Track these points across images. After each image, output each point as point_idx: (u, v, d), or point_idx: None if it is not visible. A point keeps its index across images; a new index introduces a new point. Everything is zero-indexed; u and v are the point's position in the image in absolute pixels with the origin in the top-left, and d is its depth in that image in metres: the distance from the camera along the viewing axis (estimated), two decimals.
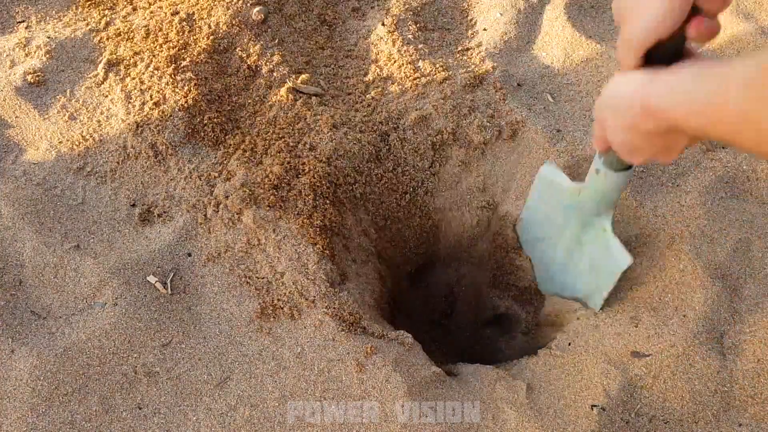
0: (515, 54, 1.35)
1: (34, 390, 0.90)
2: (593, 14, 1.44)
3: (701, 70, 0.55)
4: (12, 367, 0.92)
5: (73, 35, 1.31)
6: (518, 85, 1.29)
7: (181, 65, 1.22)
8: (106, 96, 1.22)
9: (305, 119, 1.17)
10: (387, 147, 1.18)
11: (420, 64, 1.29)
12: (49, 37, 1.29)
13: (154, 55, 1.25)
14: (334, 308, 0.98)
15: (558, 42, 1.36)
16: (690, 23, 0.61)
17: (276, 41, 1.32)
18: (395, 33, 1.35)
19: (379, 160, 1.17)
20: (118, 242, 1.06)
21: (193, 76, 1.20)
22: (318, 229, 1.04)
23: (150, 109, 1.17)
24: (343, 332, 0.96)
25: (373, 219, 1.18)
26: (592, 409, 0.92)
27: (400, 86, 1.26)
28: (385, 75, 1.29)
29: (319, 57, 1.35)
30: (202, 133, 1.16)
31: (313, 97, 1.22)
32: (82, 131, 1.17)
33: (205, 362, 0.95)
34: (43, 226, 1.06)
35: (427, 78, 1.26)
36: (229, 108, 1.21)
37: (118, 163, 1.14)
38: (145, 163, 1.14)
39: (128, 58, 1.26)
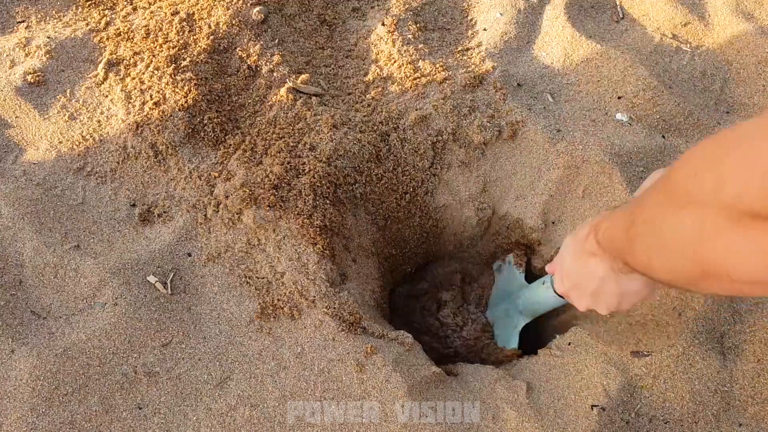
0: (515, 54, 1.35)
1: (34, 390, 0.90)
2: (593, 14, 1.44)
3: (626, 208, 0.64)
4: (12, 367, 0.92)
5: (73, 35, 1.31)
6: (518, 85, 1.29)
7: (181, 65, 1.22)
8: (106, 96, 1.22)
9: (305, 119, 1.17)
10: (387, 147, 1.18)
11: (420, 64, 1.29)
12: (49, 37, 1.29)
13: (154, 55, 1.24)
14: (334, 308, 0.98)
15: (558, 42, 1.36)
16: None
17: (276, 41, 1.32)
18: (395, 33, 1.35)
19: (379, 160, 1.17)
20: (118, 242, 1.06)
21: (193, 76, 1.20)
22: (318, 229, 1.04)
23: (150, 109, 1.16)
24: (343, 332, 0.96)
25: (373, 219, 1.18)
26: (592, 409, 0.92)
27: (400, 86, 1.26)
28: (385, 75, 1.29)
29: (319, 57, 1.35)
30: (202, 133, 1.16)
31: (313, 97, 1.22)
32: (82, 131, 1.17)
33: (205, 362, 0.95)
34: (43, 226, 1.06)
35: (427, 78, 1.26)
36: (229, 108, 1.21)
37: (118, 163, 1.14)
38: (145, 163, 1.14)
39: (128, 58, 1.26)
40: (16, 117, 1.20)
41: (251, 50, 1.28)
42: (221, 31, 1.30)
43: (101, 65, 1.25)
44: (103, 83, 1.23)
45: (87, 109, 1.21)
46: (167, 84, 1.19)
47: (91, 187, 1.13)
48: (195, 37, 1.28)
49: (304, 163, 1.11)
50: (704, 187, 0.47)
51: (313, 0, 1.44)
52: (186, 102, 1.17)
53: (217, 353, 0.96)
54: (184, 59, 1.23)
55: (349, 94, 1.28)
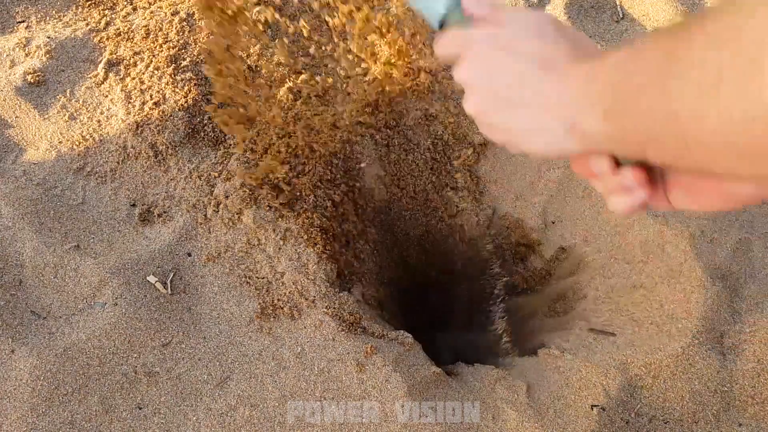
0: None
1: (34, 390, 0.90)
2: (593, 14, 1.44)
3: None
4: (12, 367, 0.92)
5: (73, 35, 1.31)
6: None
7: (181, 65, 1.22)
8: (106, 96, 1.22)
9: (305, 119, 1.17)
10: (387, 147, 1.18)
11: (421, 64, 1.29)
12: (49, 37, 1.29)
13: (154, 55, 1.24)
14: (334, 308, 0.98)
15: None
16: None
17: (276, 41, 1.32)
18: (396, 32, 1.35)
19: (380, 160, 1.17)
20: (118, 242, 1.06)
21: (193, 76, 1.20)
22: (318, 229, 1.04)
23: (150, 109, 1.16)
24: (343, 332, 0.96)
25: (374, 219, 1.18)
26: (592, 409, 0.92)
27: (401, 86, 1.26)
28: (385, 75, 1.29)
29: (319, 57, 1.35)
30: (202, 133, 1.16)
31: (313, 97, 1.22)
32: (82, 131, 1.17)
33: (205, 362, 0.95)
34: (43, 226, 1.06)
35: (428, 78, 1.26)
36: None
37: (118, 163, 1.14)
38: (145, 163, 1.14)
39: (128, 58, 1.26)
40: (16, 117, 1.20)
41: (251, 50, 1.28)
42: (221, 30, 1.29)
43: (101, 65, 1.25)
44: (103, 83, 1.23)
45: (87, 109, 1.21)
46: (167, 84, 1.19)
47: (91, 187, 1.12)
48: (195, 37, 1.28)
49: (304, 163, 1.11)
50: None
51: (313, 0, 1.44)
52: (186, 102, 1.17)
53: (217, 353, 0.96)
54: (184, 59, 1.23)
55: (350, 93, 1.28)
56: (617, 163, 0.46)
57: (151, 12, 1.34)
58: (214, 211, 1.08)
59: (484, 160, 1.21)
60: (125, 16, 1.35)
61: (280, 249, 1.03)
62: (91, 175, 1.14)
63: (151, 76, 1.21)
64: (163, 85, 1.19)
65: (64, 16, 1.37)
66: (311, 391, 0.92)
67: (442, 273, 1.35)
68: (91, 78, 1.25)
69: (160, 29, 1.29)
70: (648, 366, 0.95)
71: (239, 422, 0.91)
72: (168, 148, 1.13)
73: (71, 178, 1.13)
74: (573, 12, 1.42)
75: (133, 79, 1.22)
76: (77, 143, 1.16)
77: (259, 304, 1.00)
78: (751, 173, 0.34)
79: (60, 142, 1.16)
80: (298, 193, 1.07)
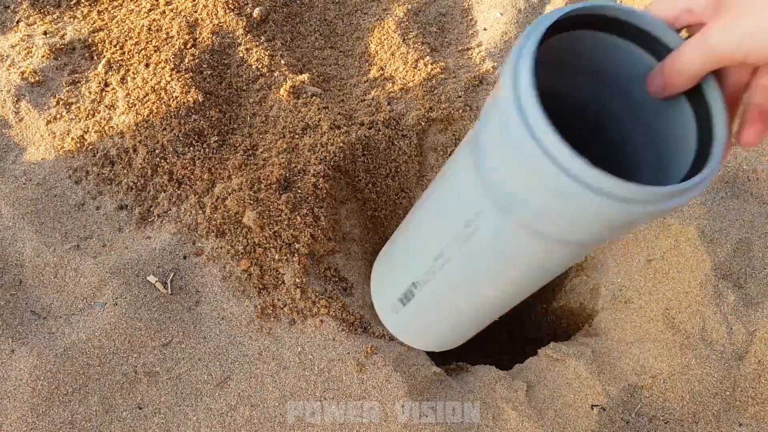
0: None
1: (34, 390, 0.90)
2: None
3: None
4: (12, 367, 0.92)
5: (73, 35, 1.31)
6: None
7: (181, 65, 1.22)
8: (107, 95, 1.22)
9: (305, 119, 1.17)
10: (388, 147, 1.18)
11: (420, 63, 1.29)
12: (49, 37, 1.29)
13: (155, 54, 1.25)
14: (335, 308, 0.98)
15: None
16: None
17: (276, 41, 1.32)
18: (395, 33, 1.35)
19: (380, 161, 1.17)
20: (118, 242, 1.06)
21: (193, 76, 1.20)
22: (318, 229, 1.04)
23: (151, 108, 1.16)
24: (343, 332, 0.96)
25: (374, 219, 1.18)
26: (593, 409, 0.92)
27: (401, 86, 1.26)
28: (385, 75, 1.29)
29: (319, 57, 1.35)
30: (203, 133, 1.16)
31: (313, 97, 1.22)
32: (83, 131, 1.17)
33: (205, 362, 0.95)
34: (43, 226, 1.06)
35: (428, 78, 1.26)
36: (229, 108, 1.21)
37: (118, 162, 1.14)
38: (146, 162, 1.14)
39: (128, 57, 1.26)
40: (16, 117, 1.20)
41: (251, 50, 1.28)
42: (222, 30, 1.30)
43: (101, 65, 1.25)
44: (103, 83, 1.23)
45: (87, 108, 1.21)
46: (167, 84, 1.19)
47: (91, 186, 1.12)
48: (195, 37, 1.28)
49: (304, 163, 1.11)
50: None
51: (314, 0, 1.44)
52: (186, 102, 1.17)
53: (217, 353, 0.96)
54: (184, 59, 1.23)
55: (349, 94, 1.28)
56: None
57: (152, 12, 1.34)
58: (214, 211, 1.08)
59: None
60: (125, 16, 1.35)
61: (280, 249, 1.03)
62: (91, 174, 1.14)
63: (152, 76, 1.21)
64: (163, 84, 1.19)
65: (64, 16, 1.37)
66: (311, 391, 0.92)
67: None
68: (91, 77, 1.25)
69: (160, 29, 1.29)
70: (648, 366, 0.95)
71: (239, 422, 0.91)
72: (168, 147, 1.13)
73: (71, 178, 1.13)
74: None
75: (133, 78, 1.22)
76: (77, 143, 1.16)
77: (259, 304, 1.00)
78: None
79: (60, 142, 1.16)
80: (298, 193, 1.07)
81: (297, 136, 1.15)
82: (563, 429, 0.90)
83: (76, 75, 1.26)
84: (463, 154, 0.50)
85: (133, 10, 1.37)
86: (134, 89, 1.20)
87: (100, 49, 1.29)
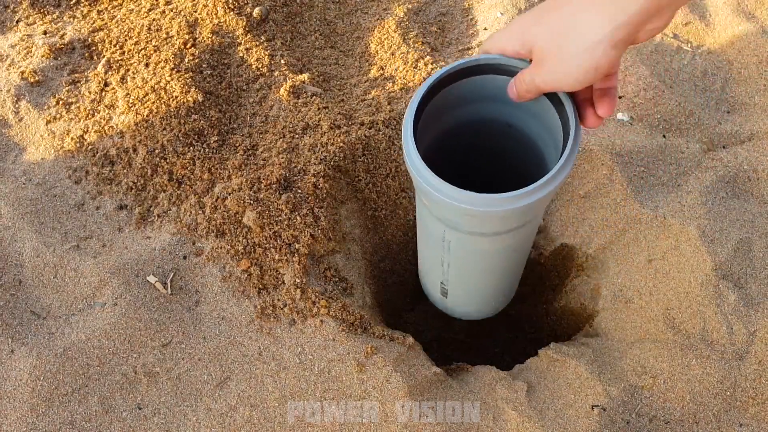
0: None
1: (34, 390, 0.90)
2: None
3: None
4: (12, 367, 0.92)
5: (73, 35, 1.31)
6: None
7: (181, 65, 1.22)
8: (106, 95, 1.22)
9: (305, 119, 1.17)
10: (388, 147, 1.18)
11: (420, 63, 1.28)
12: (49, 37, 1.29)
13: (154, 54, 1.24)
14: (335, 308, 0.98)
15: None
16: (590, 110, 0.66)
17: (276, 41, 1.32)
18: (396, 32, 1.35)
19: (380, 161, 1.17)
20: (118, 242, 1.06)
21: (193, 76, 1.20)
22: (318, 229, 1.04)
23: (150, 109, 1.16)
24: (343, 332, 0.96)
25: (374, 219, 1.18)
26: (593, 409, 0.92)
27: (401, 86, 1.26)
28: (385, 75, 1.29)
29: (319, 57, 1.35)
30: (203, 133, 1.16)
31: (313, 97, 1.22)
32: (83, 131, 1.17)
33: (205, 362, 0.95)
34: (43, 226, 1.06)
35: (428, 78, 1.26)
36: (229, 108, 1.21)
37: (118, 162, 1.14)
38: (145, 162, 1.14)
39: (128, 57, 1.26)
40: (16, 117, 1.20)
41: (251, 50, 1.28)
42: (221, 30, 1.29)
43: (101, 65, 1.25)
44: (103, 83, 1.23)
45: (87, 108, 1.21)
46: (167, 84, 1.19)
47: (91, 186, 1.12)
48: (195, 37, 1.28)
49: (304, 163, 1.11)
50: None
51: None
52: (186, 102, 1.17)
53: (217, 353, 0.96)
54: (184, 59, 1.23)
55: (350, 93, 1.28)
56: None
57: (151, 12, 1.34)
58: (214, 211, 1.08)
59: None
60: (126, 16, 1.35)
61: (280, 249, 1.03)
62: (91, 174, 1.14)
63: (152, 75, 1.21)
64: (163, 84, 1.19)
65: (64, 15, 1.37)
66: (311, 391, 0.92)
67: None
68: (91, 77, 1.25)
69: (160, 29, 1.29)
70: (649, 366, 0.95)
71: (239, 422, 0.91)
72: (168, 147, 1.13)
73: (71, 178, 1.13)
74: None
75: (133, 78, 1.22)
76: (77, 143, 1.16)
77: (260, 304, 1.00)
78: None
79: (60, 142, 1.16)
80: (298, 193, 1.07)
81: (297, 136, 1.15)
82: (564, 429, 0.90)
83: (76, 75, 1.26)
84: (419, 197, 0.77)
85: (132, 9, 1.37)
86: (134, 89, 1.20)
87: (99, 49, 1.29)
